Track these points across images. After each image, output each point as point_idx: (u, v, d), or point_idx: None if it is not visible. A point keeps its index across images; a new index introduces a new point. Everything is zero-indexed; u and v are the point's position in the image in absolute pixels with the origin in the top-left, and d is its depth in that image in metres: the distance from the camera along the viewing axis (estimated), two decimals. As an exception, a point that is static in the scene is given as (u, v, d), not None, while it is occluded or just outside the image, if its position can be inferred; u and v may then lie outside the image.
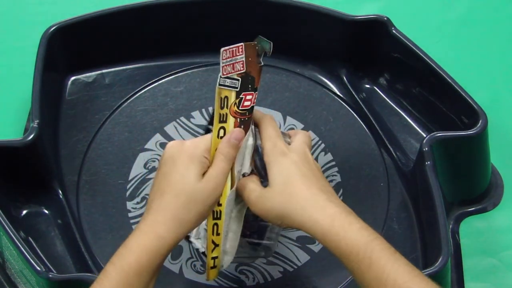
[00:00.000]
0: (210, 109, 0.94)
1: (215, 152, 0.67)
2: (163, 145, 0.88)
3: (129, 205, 0.85)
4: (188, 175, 0.66)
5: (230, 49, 0.68)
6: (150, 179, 0.87)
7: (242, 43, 0.68)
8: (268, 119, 0.70)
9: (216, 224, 0.68)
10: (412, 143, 0.92)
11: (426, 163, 0.80)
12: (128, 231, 0.82)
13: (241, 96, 0.68)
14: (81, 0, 1.07)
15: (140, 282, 0.63)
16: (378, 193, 0.88)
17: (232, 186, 0.68)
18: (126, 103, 0.95)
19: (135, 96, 0.95)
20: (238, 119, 0.68)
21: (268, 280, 0.80)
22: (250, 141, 0.69)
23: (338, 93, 0.97)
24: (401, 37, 0.91)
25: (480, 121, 0.83)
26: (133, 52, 0.97)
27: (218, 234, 0.68)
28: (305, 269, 0.81)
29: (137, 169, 0.89)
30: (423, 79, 0.92)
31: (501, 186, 0.91)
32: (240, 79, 0.68)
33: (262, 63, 0.69)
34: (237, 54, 0.68)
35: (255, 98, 0.68)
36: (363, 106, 0.95)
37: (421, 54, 0.89)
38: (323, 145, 0.91)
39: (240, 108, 0.68)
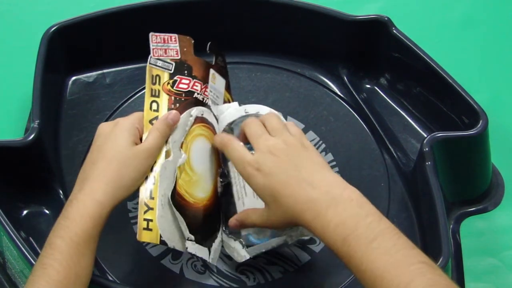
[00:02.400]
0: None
1: (152, 126, 0.73)
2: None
3: (130, 205, 0.85)
4: (119, 143, 0.70)
5: (161, 36, 0.77)
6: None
7: (175, 34, 0.78)
8: (228, 143, 0.73)
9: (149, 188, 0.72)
10: (412, 143, 0.92)
11: (427, 163, 0.80)
12: (128, 230, 0.82)
13: (175, 78, 0.77)
14: (81, 0, 1.07)
15: (90, 249, 0.66)
16: (378, 193, 0.88)
17: (167, 156, 0.73)
18: (127, 103, 0.95)
19: (136, 96, 0.95)
20: (173, 97, 0.76)
21: (268, 280, 0.80)
22: (191, 120, 0.76)
23: (339, 93, 0.97)
24: (402, 37, 0.91)
25: (481, 121, 0.83)
26: (134, 52, 0.96)
27: (152, 198, 0.72)
28: (306, 269, 0.81)
29: (137, 169, 0.88)
30: (423, 79, 0.92)
31: (502, 186, 0.91)
32: (174, 63, 0.77)
33: (213, 63, 0.81)
34: (170, 42, 0.78)
35: (194, 85, 0.77)
36: (364, 106, 0.95)
37: (421, 54, 0.89)
38: (323, 145, 0.91)
39: (175, 88, 0.76)
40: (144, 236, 0.71)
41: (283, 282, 0.80)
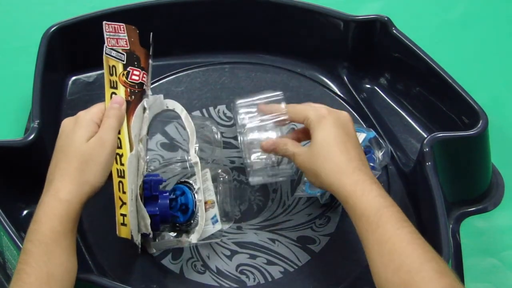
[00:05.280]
0: (211, 108, 0.93)
1: (104, 116, 0.73)
2: (164, 146, 0.88)
3: (130, 205, 0.85)
4: (76, 140, 0.70)
5: (112, 25, 0.77)
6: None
7: (123, 24, 0.78)
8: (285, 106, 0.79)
9: (121, 182, 0.72)
10: (412, 143, 0.92)
11: (427, 163, 0.80)
12: (128, 231, 0.82)
13: (128, 70, 0.77)
14: (81, 0, 1.07)
15: (61, 247, 0.66)
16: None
17: (131, 150, 0.73)
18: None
19: (135, 96, 0.95)
20: (129, 89, 0.76)
21: (268, 280, 0.80)
22: (146, 113, 0.77)
23: (339, 93, 0.97)
24: (402, 37, 0.91)
25: (481, 121, 0.83)
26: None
27: (124, 192, 0.71)
28: (306, 269, 0.81)
29: (137, 169, 0.88)
30: (423, 79, 0.92)
31: (502, 186, 0.91)
32: (125, 54, 0.77)
33: (150, 54, 0.80)
34: (119, 31, 0.78)
35: (143, 77, 0.77)
36: (364, 106, 0.95)
37: (421, 54, 0.90)
38: (323, 145, 0.91)
39: (129, 80, 0.76)
40: (122, 232, 0.72)
41: (283, 282, 0.80)
